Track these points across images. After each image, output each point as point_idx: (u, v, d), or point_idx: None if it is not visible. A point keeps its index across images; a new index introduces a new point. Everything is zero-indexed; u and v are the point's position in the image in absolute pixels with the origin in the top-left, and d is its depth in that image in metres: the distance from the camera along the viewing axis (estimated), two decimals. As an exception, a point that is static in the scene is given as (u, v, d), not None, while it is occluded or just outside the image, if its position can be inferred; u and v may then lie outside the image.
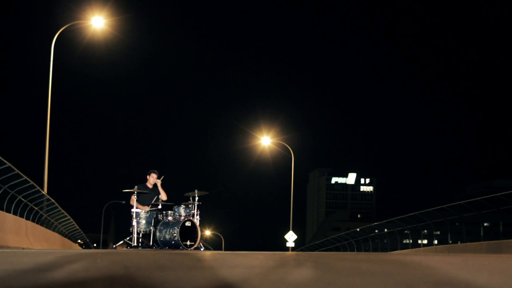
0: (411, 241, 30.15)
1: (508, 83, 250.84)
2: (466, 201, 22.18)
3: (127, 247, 14.06)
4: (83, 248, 43.91)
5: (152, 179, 14.22)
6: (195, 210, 13.80)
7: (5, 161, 15.43)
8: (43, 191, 22.74)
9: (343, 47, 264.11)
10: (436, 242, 28.32)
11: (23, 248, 14.25)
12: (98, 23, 26.53)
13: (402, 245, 30.35)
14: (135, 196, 13.86)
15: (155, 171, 14.32)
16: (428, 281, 3.50)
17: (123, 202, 57.33)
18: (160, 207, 14.02)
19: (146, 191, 14.01)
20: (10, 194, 17.48)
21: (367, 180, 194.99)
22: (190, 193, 13.93)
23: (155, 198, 14.11)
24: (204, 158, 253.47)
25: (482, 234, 21.31)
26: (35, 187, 19.59)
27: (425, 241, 29.98)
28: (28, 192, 19.10)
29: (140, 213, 13.72)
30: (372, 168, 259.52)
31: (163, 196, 14.18)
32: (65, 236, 31.08)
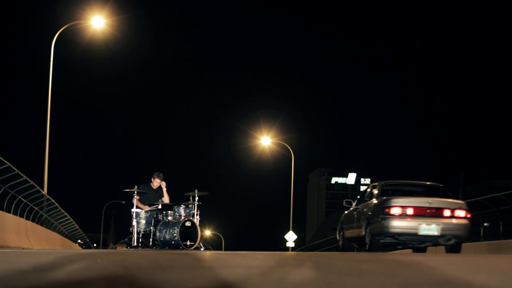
0: (411, 241, 30.07)
1: (509, 83, 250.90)
2: (466, 201, 22.16)
3: (127, 247, 14.07)
4: (83, 248, 43.92)
5: (156, 183, 14.23)
6: (195, 210, 13.80)
7: (5, 161, 15.43)
8: (43, 191, 22.74)
9: (343, 47, 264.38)
10: (436, 242, 28.28)
11: (23, 248, 14.26)
12: (98, 23, 26.55)
13: (402, 245, 30.26)
14: (138, 196, 13.89)
15: (160, 174, 14.27)
16: (428, 281, 3.51)
17: (123, 202, 57.34)
18: (160, 207, 14.02)
19: (144, 191, 14.01)
20: (10, 194, 17.48)
21: (367, 180, 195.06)
22: (190, 193, 13.93)
23: (159, 201, 14.12)
24: (204, 158, 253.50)
25: (482, 234, 21.30)
26: (35, 187, 19.59)
27: (425, 241, 29.92)
28: (28, 192, 19.11)
29: (140, 213, 13.71)
30: (372, 168, 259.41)
31: (165, 199, 14.18)
32: (65, 236, 31.09)
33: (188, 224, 13.19)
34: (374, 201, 12.47)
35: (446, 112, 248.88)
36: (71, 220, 30.71)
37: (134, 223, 13.61)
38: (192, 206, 13.81)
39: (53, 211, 25.00)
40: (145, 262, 4.97)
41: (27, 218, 19.73)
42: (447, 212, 11.92)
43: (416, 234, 11.83)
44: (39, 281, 3.43)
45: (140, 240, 13.54)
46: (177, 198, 14.36)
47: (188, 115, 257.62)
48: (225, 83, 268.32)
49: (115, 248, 17.60)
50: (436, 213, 11.86)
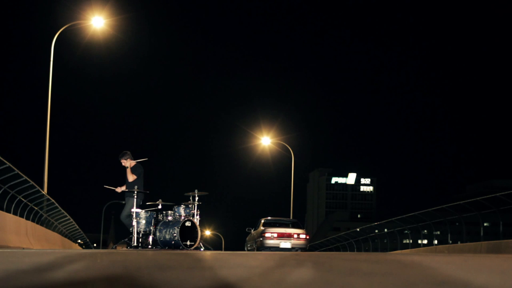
0: (411, 241, 30.15)
1: (508, 83, 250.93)
2: (466, 201, 22.17)
3: (127, 247, 14.06)
4: (83, 248, 43.92)
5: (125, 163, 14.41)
6: (195, 210, 13.80)
7: (5, 161, 15.42)
8: (43, 191, 22.73)
9: (343, 47, 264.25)
10: (436, 242, 28.34)
11: (23, 248, 14.25)
12: (98, 23, 26.53)
13: (402, 245, 30.34)
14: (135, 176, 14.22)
15: (120, 156, 14.39)
16: (428, 281, 3.51)
17: (123, 202, 57.21)
18: (160, 207, 14.02)
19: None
20: (10, 194, 17.47)
21: (367, 180, 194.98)
22: (190, 193, 13.93)
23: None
24: (204, 158, 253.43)
25: (482, 234, 21.30)
26: (35, 187, 19.58)
27: (425, 241, 29.97)
28: (28, 192, 19.09)
29: (140, 213, 13.72)
30: (372, 168, 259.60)
31: (129, 177, 14.23)
32: (65, 236, 31.08)
33: (188, 224, 13.20)
34: (259, 229, 21.44)
35: (446, 113, 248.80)
36: (71, 220, 30.70)
37: (134, 223, 13.61)
38: (192, 206, 13.82)
39: (53, 211, 24.99)
40: (145, 262, 4.97)
41: (27, 218, 19.72)
42: (295, 236, 20.71)
43: (279, 247, 20.48)
44: (39, 281, 3.43)
45: (140, 240, 13.54)
46: (177, 198, 14.38)
47: (188, 114, 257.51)
48: (225, 83, 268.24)
49: (115, 248, 17.59)
50: (289, 236, 20.68)
